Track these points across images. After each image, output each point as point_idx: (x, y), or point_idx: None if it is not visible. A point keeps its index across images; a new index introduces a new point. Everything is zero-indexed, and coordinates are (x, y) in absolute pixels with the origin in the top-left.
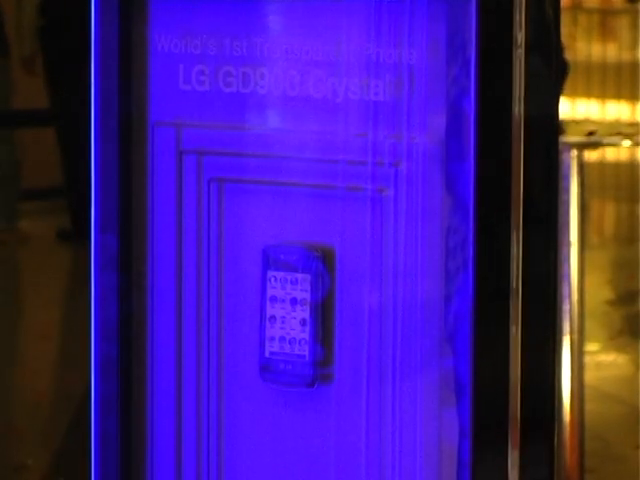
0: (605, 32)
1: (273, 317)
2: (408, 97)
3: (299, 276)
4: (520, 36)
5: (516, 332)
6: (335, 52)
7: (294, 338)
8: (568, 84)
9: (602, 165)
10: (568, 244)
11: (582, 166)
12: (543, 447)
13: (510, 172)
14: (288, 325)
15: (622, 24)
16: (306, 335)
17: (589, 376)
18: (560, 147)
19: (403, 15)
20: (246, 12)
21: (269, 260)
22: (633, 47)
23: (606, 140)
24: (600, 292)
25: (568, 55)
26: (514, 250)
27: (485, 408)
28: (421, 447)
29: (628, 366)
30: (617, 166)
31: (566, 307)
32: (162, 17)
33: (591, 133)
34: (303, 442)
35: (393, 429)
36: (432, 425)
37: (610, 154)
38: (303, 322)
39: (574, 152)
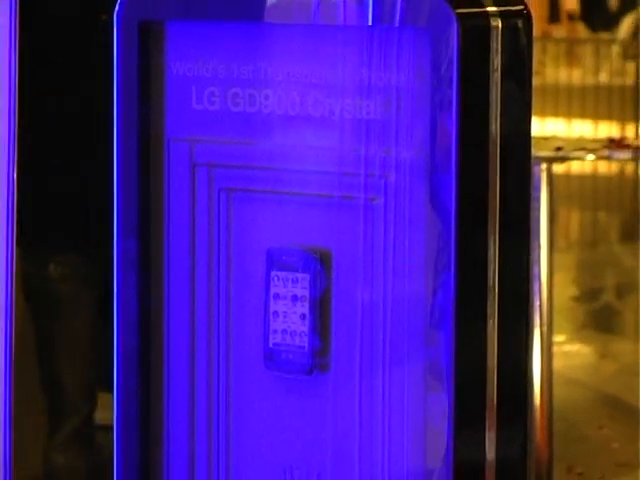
0: (571, 59)
1: (276, 312)
2: (396, 116)
3: (299, 275)
4: (496, 62)
5: (493, 325)
6: (331, 76)
7: (294, 331)
8: (538, 105)
9: (568, 177)
10: (538, 247)
11: (551, 178)
12: (517, 428)
13: (487, 183)
14: (289, 319)
15: (586, 52)
16: (305, 328)
17: (557, 364)
18: (531, 161)
19: (392, 43)
20: (252, 40)
21: (272, 261)
22: (596, 72)
23: (572, 155)
24: (566, 290)
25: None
26: (491, 252)
27: (465, 393)
28: (408, 428)
29: (591, 355)
30: (582, 178)
31: (537, 303)
32: (177, 45)
33: (559, 148)
34: (302, 423)
35: (383, 412)
36: (418, 408)
37: (575, 167)
38: (303, 317)
39: (544, 165)
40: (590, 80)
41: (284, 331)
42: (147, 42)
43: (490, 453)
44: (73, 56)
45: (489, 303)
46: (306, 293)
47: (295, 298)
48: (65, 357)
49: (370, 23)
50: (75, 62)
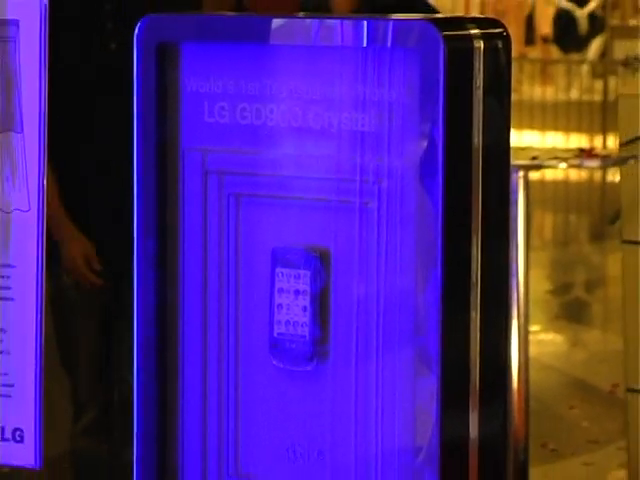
0: (545, 77)
1: (280, 305)
2: (388, 128)
3: (301, 272)
4: (479, 80)
5: (475, 316)
6: (330, 91)
7: (297, 322)
8: (516, 118)
9: (543, 183)
10: (516, 246)
11: (527, 184)
12: (497, 408)
13: (470, 188)
14: (292, 311)
15: (558, 71)
16: (306, 319)
17: (532, 351)
18: (510, 169)
19: (384, 62)
20: (258, 59)
21: (277, 259)
22: (567, 89)
23: (546, 163)
24: (541, 284)
25: (515, 96)
26: (474, 251)
27: (451, 377)
28: (399, 408)
29: (563, 343)
30: (554, 184)
31: (514, 296)
32: (191, 64)
33: (534, 158)
34: (304, 405)
35: (376, 394)
36: (408, 391)
37: (549, 175)
38: (304, 309)
39: (521, 173)
40: (562, 96)
41: (287, 322)
42: (164, 62)
43: (473, 431)
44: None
45: (472, 296)
46: (307, 288)
47: (297, 292)
48: (83, 352)
49: (365, 44)
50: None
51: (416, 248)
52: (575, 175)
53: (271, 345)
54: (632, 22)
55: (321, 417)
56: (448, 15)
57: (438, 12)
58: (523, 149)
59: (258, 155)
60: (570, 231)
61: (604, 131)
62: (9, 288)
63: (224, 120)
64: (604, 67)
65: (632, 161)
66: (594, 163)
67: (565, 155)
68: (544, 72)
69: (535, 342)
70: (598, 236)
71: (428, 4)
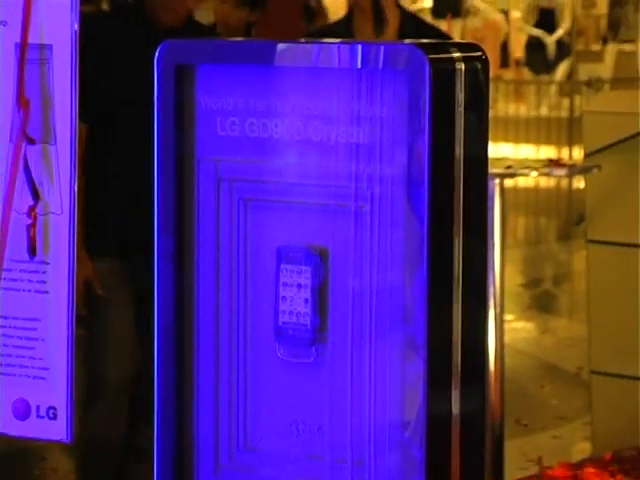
0: (518, 96)
1: (284, 297)
2: (380, 140)
3: (303, 268)
4: (460, 97)
5: (457, 307)
6: (328, 108)
7: (299, 312)
8: (492, 132)
9: (516, 190)
10: (493, 245)
11: (502, 190)
12: (476, 388)
13: (453, 194)
14: (295, 303)
15: (530, 91)
16: (308, 310)
17: (507, 338)
18: (487, 177)
19: (377, 82)
20: (265, 79)
21: (281, 256)
22: (537, 107)
23: (519, 172)
24: (514, 279)
25: (492, 112)
26: (456, 249)
27: (435, 360)
28: (390, 388)
29: (534, 330)
30: (526, 190)
31: (491, 289)
32: (205, 83)
33: (508, 167)
34: (305, 385)
35: (370, 376)
36: (398, 373)
37: (521, 182)
38: (306, 301)
39: (497, 180)
40: (533, 113)
41: (290, 312)
42: (181, 81)
43: (455, 408)
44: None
45: (454, 290)
46: (308, 282)
47: (299, 286)
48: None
49: (359, 66)
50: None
51: (405, 246)
52: (545, 182)
53: (276, 332)
54: (594, 48)
55: (320, 396)
56: (433, 40)
57: (451, 38)
58: (499, 159)
59: (265, 164)
60: (540, 232)
61: (570, 144)
62: (44, 282)
63: (235, 133)
64: (570, 87)
65: (595, 170)
66: (561, 172)
67: (536, 165)
68: (517, 91)
69: (509, 330)
70: (565, 236)
71: (443, 32)
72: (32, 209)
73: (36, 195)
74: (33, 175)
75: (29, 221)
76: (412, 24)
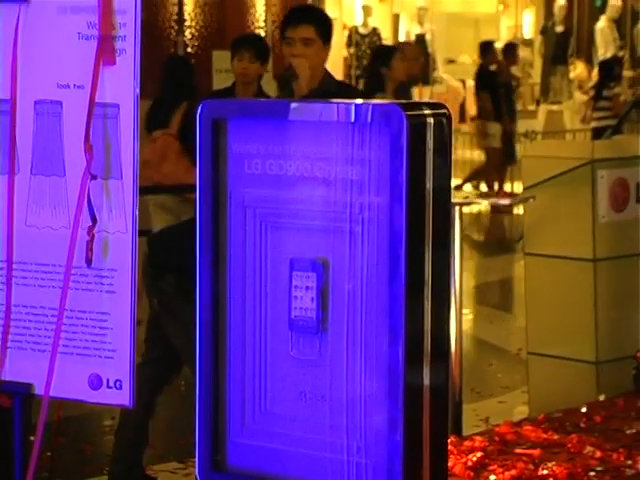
0: (472, 144)
1: (296, 297)
2: (369, 177)
3: (310, 274)
4: (430, 144)
5: (427, 304)
6: (330, 152)
7: (307, 308)
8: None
9: (471, 214)
10: (454, 257)
11: (461, 214)
12: (441, 365)
13: (424, 218)
14: (304, 301)
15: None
16: (314, 306)
17: (464, 327)
18: (450, 204)
19: (366, 132)
20: (281, 130)
21: (293, 265)
22: None
23: (474, 201)
24: (470, 282)
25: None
26: (426, 260)
27: (410, 345)
28: (377, 366)
29: (484, 322)
30: (479, 214)
31: (453, 290)
32: (235, 133)
33: (466, 197)
34: (312, 363)
35: (361, 357)
36: (383, 354)
37: (475, 208)
38: (312, 299)
39: (457, 207)
40: (484, 157)
41: (300, 308)
42: (217, 131)
43: (426, 380)
44: None
45: (425, 290)
46: (314, 285)
47: (307, 288)
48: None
49: (352, 120)
50: None
51: (387, 257)
52: (493, 209)
53: (289, 323)
54: (530, 107)
55: (323, 372)
56: (409, 101)
57: (362, 93)
58: (458, 191)
59: (280, 195)
60: (489, 247)
61: (512, 180)
62: (112, 284)
63: (258, 171)
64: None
65: (531, 200)
66: (506, 201)
67: (487, 196)
68: (472, 141)
69: (466, 321)
70: (508, 250)
71: (359, 90)
72: (91, 229)
73: (94, 219)
74: (93, 204)
75: (88, 238)
76: (333, 82)
